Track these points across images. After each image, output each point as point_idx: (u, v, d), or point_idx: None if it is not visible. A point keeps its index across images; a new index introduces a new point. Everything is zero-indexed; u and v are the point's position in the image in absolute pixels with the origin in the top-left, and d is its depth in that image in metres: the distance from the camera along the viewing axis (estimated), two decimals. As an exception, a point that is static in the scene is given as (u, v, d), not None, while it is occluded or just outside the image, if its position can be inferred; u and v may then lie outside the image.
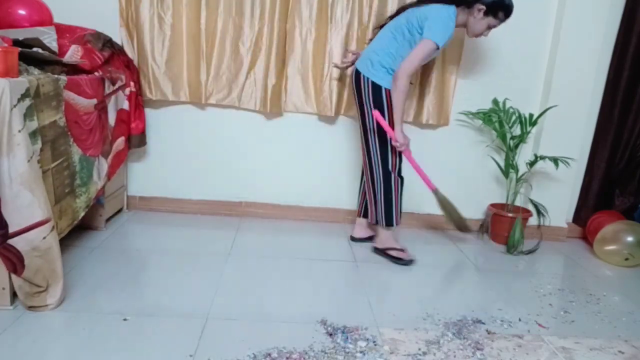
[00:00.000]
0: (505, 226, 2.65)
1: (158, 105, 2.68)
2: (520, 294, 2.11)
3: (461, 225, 2.47)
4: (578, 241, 2.89)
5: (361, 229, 2.56)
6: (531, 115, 2.66)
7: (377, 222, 2.36)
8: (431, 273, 2.28)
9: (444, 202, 2.39)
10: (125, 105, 2.46)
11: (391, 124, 2.17)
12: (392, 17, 2.26)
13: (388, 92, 2.17)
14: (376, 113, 2.17)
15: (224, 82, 2.62)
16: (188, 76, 2.60)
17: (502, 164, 2.71)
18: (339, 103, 2.67)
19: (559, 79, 2.68)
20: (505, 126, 2.64)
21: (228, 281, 1.98)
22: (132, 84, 2.48)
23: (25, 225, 1.54)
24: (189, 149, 2.74)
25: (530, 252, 2.60)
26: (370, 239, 2.53)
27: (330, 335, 1.63)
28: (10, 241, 1.54)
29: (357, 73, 2.23)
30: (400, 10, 2.24)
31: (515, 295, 2.08)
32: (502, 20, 2.17)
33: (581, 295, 2.13)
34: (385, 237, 2.37)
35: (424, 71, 2.65)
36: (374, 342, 1.61)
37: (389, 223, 2.32)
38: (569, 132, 2.74)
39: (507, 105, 2.69)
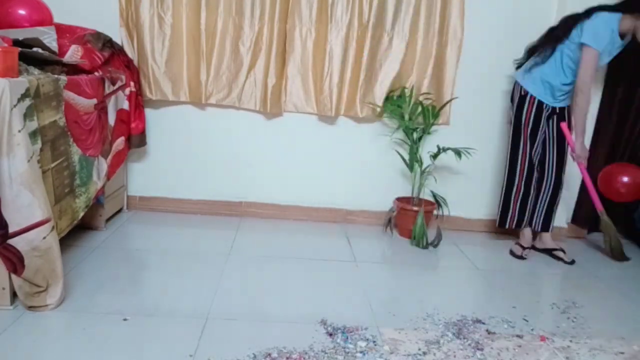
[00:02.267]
0: (411, 219, 2.59)
1: (158, 105, 2.68)
2: (520, 294, 2.10)
3: (617, 253, 2.56)
4: (578, 241, 2.89)
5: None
6: (434, 107, 2.63)
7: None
8: (431, 273, 2.28)
9: (607, 227, 2.54)
10: (125, 105, 2.46)
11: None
12: (555, 39, 2.33)
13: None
14: (563, 125, 2.39)
15: (224, 82, 2.62)
16: (188, 76, 2.60)
17: (406, 157, 2.67)
18: (339, 103, 2.67)
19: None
20: (406, 117, 2.59)
21: (228, 281, 1.98)
22: (132, 84, 2.48)
23: (25, 225, 1.54)
24: (189, 149, 2.74)
25: (432, 244, 2.52)
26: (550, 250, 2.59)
27: (330, 335, 1.63)
28: (10, 241, 1.54)
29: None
30: (563, 30, 2.31)
31: (515, 295, 2.08)
32: None
33: (581, 295, 2.13)
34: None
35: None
36: (374, 342, 1.61)
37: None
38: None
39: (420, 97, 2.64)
